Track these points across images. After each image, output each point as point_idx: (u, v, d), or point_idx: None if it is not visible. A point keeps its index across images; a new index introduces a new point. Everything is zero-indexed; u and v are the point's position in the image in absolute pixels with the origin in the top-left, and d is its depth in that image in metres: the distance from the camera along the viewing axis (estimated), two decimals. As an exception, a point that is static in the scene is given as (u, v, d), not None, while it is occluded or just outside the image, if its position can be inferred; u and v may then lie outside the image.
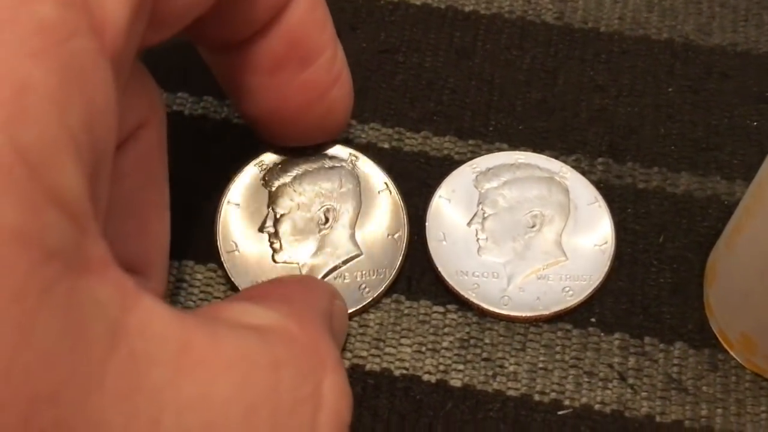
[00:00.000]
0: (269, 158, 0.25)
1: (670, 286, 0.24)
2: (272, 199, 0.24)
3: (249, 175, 0.25)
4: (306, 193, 0.24)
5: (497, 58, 0.28)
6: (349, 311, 0.23)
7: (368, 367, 0.23)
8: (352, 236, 0.24)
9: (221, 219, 0.24)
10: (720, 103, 0.27)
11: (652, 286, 0.24)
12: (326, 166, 0.25)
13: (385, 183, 0.25)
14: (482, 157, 0.26)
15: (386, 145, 0.26)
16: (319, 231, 0.24)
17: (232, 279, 0.23)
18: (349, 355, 0.23)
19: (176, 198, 0.24)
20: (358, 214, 0.24)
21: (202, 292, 0.24)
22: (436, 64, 0.28)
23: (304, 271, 0.23)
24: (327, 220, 0.24)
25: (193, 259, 0.24)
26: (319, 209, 0.24)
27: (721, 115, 0.27)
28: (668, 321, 0.24)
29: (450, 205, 0.25)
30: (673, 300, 0.24)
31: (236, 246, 0.24)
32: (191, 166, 0.26)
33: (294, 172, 0.25)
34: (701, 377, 0.23)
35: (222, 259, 0.24)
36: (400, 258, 0.24)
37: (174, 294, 0.23)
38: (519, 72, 0.28)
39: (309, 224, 0.24)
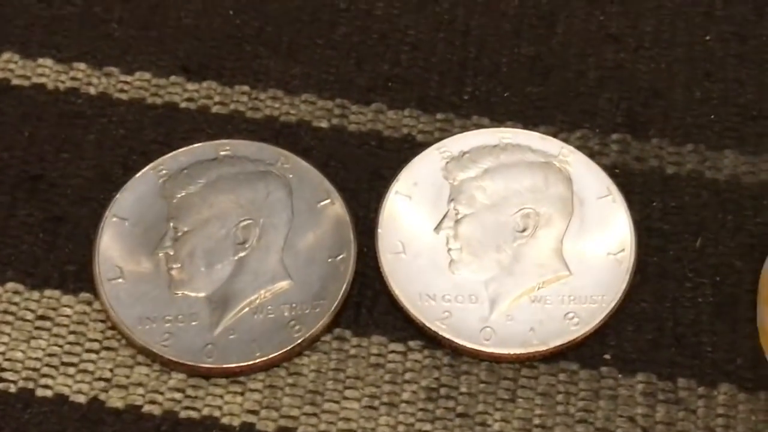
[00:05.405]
0: (171, 162, 0.24)
1: (711, 307, 0.22)
2: (173, 213, 0.23)
3: (143, 182, 0.23)
4: (219, 205, 0.23)
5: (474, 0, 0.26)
6: (276, 355, 0.21)
7: (301, 430, 0.21)
8: (280, 260, 0.23)
9: (101, 238, 0.23)
10: (775, 54, 0.25)
11: (687, 307, 0.22)
12: (248, 170, 0.23)
13: (327, 191, 0.23)
14: (454, 136, 0.24)
15: (324, 124, 0.24)
16: (236, 253, 0.23)
17: (114, 313, 0.22)
18: (274, 414, 0.21)
19: (38, 204, 0.23)
20: (289, 231, 0.23)
21: (71, 332, 0.22)
22: (391, 10, 0.26)
23: (212, 305, 0.22)
24: (246, 239, 0.23)
25: (59, 288, 0.22)
26: (236, 225, 0.23)
27: (777, 70, 0.25)
28: (710, 355, 0.22)
29: (411, 203, 0.23)
30: (716, 326, 0.22)
31: (121, 272, 0.22)
32: (57, 160, 0.24)
33: (204, 179, 0.23)
34: (757, 431, 0.21)
35: (99, 289, 0.22)
36: (344, 286, 0.22)
37: (35, 337, 0.22)
38: (504, 19, 0.26)
39: (222, 244, 0.23)
